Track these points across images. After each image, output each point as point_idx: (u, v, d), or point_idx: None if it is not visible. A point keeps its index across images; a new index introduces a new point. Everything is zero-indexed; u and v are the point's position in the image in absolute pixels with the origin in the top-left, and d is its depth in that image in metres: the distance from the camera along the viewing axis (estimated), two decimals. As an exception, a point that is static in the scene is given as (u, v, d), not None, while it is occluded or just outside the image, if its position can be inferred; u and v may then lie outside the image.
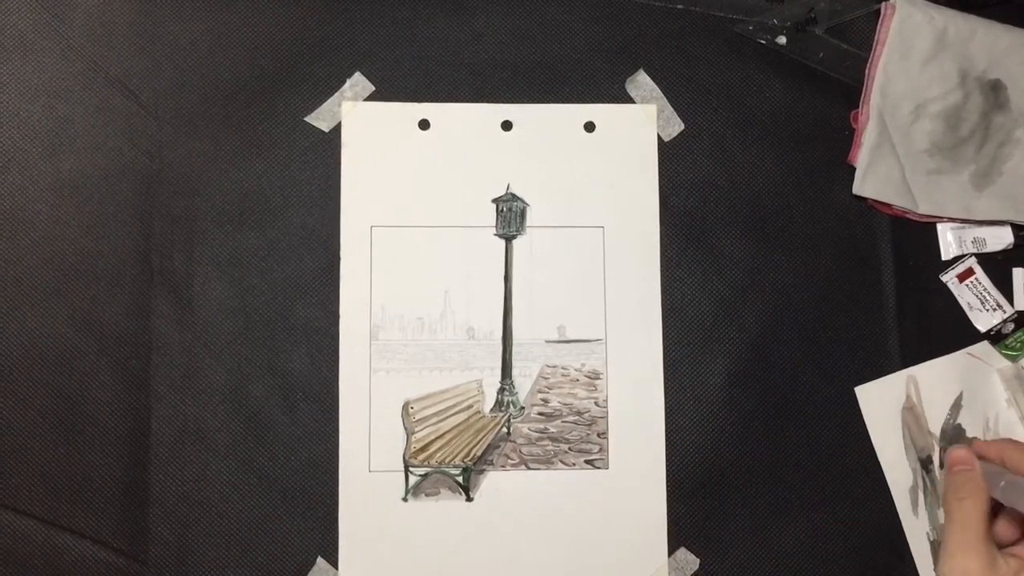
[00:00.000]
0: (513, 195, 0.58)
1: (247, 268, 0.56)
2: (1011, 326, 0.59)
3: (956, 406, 0.58)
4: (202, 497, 0.55)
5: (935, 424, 0.58)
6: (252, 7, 0.58)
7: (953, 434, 0.58)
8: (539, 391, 0.57)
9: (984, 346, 0.59)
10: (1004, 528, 0.49)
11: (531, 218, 0.58)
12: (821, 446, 0.58)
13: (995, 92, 0.59)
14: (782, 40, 0.59)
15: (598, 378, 0.57)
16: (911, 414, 0.58)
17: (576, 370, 0.57)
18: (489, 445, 0.57)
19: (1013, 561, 0.46)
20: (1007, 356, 0.59)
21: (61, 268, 0.55)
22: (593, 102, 0.59)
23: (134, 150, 0.56)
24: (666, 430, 0.57)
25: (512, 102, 0.58)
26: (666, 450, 0.57)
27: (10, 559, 0.53)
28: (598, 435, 0.57)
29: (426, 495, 0.56)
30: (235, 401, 0.56)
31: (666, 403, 0.57)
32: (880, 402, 0.58)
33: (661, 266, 0.58)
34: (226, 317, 0.56)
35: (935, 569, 0.47)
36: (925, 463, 0.58)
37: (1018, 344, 0.59)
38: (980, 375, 0.59)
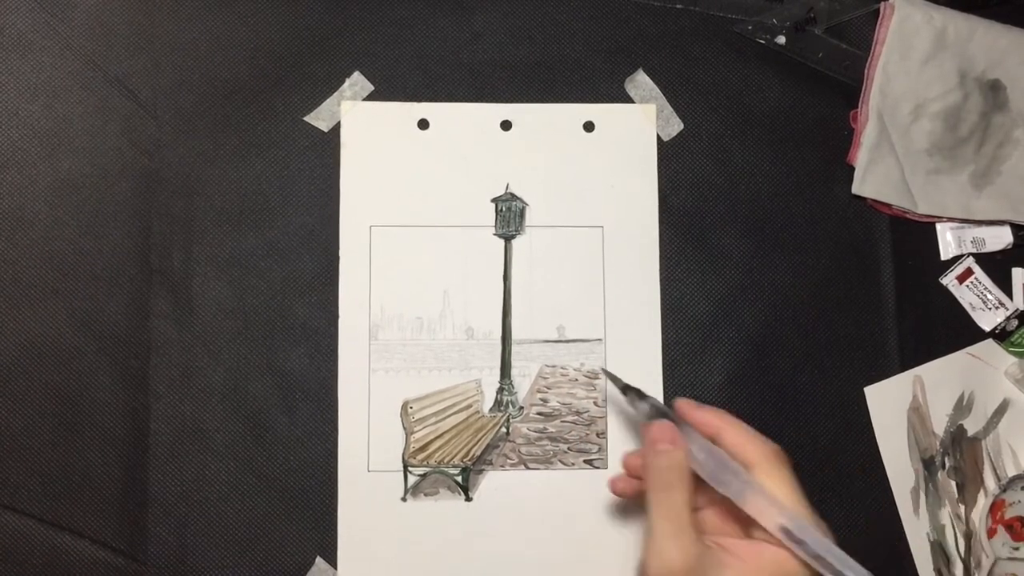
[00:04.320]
0: (512, 195, 0.58)
1: (246, 268, 0.56)
2: (1015, 323, 0.58)
3: (958, 407, 0.58)
4: (201, 497, 0.55)
5: (938, 425, 0.58)
6: (251, 7, 0.58)
7: (955, 434, 0.58)
8: (538, 391, 0.57)
9: (984, 346, 0.59)
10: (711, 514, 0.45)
11: (530, 218, 0.58)
12: (821, 446, 0.57)
13: (994, 92, 0.59)
14: (781, 40, 0.59)
15: (597, 378, 0.57)
16: (917, 415, 0.58)
17: (575, 370, 0.57)
18: (488, 445, 0.56)
19: (719, 552, 0.41)
20: (1015, 353, 0.59)
21: (60, 268, 0.55)
22: (592, 102, 0.59)
23: (133, 149, 0.56)
24: (665, 430, 0.56)
25: (511, 102, 0.58)
26: (665, 450, 0.56)
27: (9, 559, 0.53)
28: (597, 435, 0.57)
29: (425, 495, 0.56)
30: (234, 401, 0.55)
31: (665, 403, 0.57)
32: (887, 402, 0.58)
33: (660, 266, 0.58)
34: (225, 317, 0.56)
35: (642, 562, 0.42)
36: (927, 463, 0.58)
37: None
38: (981, 375, 0.59)
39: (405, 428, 0.56)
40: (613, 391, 0.50)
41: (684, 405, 0.45)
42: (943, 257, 0.59)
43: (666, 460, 0.43)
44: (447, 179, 0.58)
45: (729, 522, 0.44)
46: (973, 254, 0.59)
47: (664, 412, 0.45)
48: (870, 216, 0.59)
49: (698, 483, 0.43)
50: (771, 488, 0.41)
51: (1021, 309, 0.59)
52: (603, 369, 0.56)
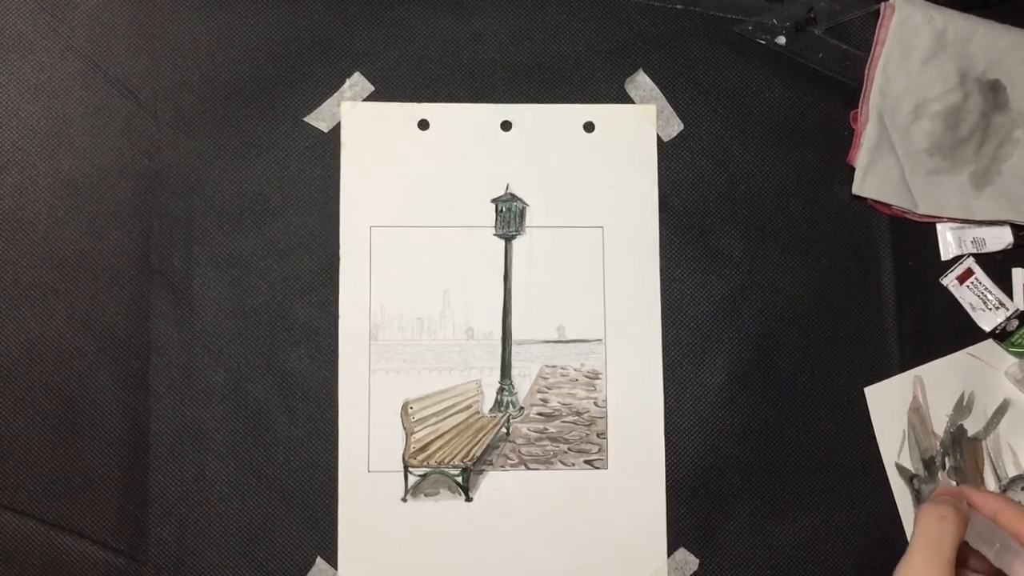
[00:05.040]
0: (512, 195, 0.58)
1: (246, 268, 0.56)
2: (1015, 323, 0.58)
3: (958, 407, 0.58)
4: (201, 497, 0.55)
5: (938, 425, 0.58)
6: (252, 7, 0.58)
7: (955, 434, 0.58)
8: (538, 391, 0.57)
9: (985, 346, 0.59)
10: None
11: (530, 218, 0.58)
12: (820, 446, 0.57)
13: (994, 92, 0.59)
14: (782, 40, 0.59)
15: (597, 378, 0.57)
16: (917, 415, 0.58)
17: (575, 370, 0.57)
18: (488, 445, 0.56)
19: None
20: (1015, 353, 0.58)
21: (60, 268, 0.55)
22: (592, 102, 0.59)
23: (133, 150, 0.56)
24: (665, 430, 0.57)
25: (511, 102, 0.58)
26: (665, 450, 0.56)
27: (9, 559, 0.53)
28: (597, 435, 0.57)
29: (425, 495, 0.56)
30: (234, 401, 0.56)
31: (665, 403, 0.57)
32: (887, 402, 0.58)
33: (660, 266, 0.58)
34: (225, 317, 0.56)
35: None
36: (928, 464, 0.58)
37: None
38: (981, 375, 0.59)
39: (405, 428, 0.56)
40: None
41: (966, 487, 0.48)
42: (943, 257, 0.59)
43: (948, 501, 0.46)
44: (447, 179, 0.58)
45: None
46: (973, 254, 0.59)
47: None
48: (870, 216, 0.59)
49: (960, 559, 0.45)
50: None
51: (1021, 309, 0.59)
52: (896, 463, 0.55)
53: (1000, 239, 0.59)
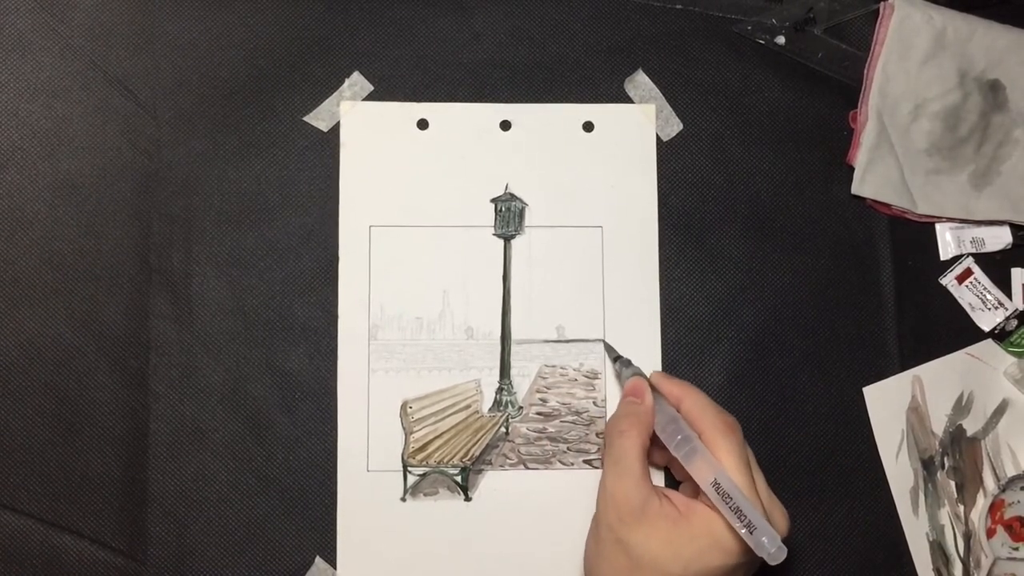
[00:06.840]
0: (512, 195, 0.58)
1: (245, 268, 0.56)
2: (1014, 323, 0.58)
3: (957, 407, 0.58)
4: (200, 497, 0.55)
5: (937, 425, 0.58)
6: (251, 7, 0.58)
7: (954, 434, 0.58)
8: (537, 391, 0.57)
9: (983, 346, 0.59)
10: (659, 455, 0.51)
11: (530, 218, 0.58)
12: (820, 446, 0.57)
13: (994, 92, 0.59)
14: (781, 40, 0.59)
15: (596, 378, 0.57)
16: (916, 415, 0.58)
17: (574, 370, 0.57)
18: (487, 445, 0.57)
19: (664, 501, 0.46)
20: (1014, 353, 0.58)
21: (59, 268, 0.55)
22: (592, 102, 0.59)
23: (132, 150, 0.56)
24: (665, 430, 0.57)
25: (511, 102, 0.58)
26: (665, 450, 0.56)
27: (8, 559, 0.53)
28: (596, 435, 0.57)
29: (424, 495, 0.56)
30: (234, 401, 0.56)
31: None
32: (886, 402, 0.58)
33: (660, 266, 0.58)
34: (224, 317, 0.56)
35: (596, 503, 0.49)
36: (927, 464, 0.58)
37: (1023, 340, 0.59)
38: (980, 375, 0.59)
39: (404, 428, 0.56)
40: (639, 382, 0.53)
41: (656, 375, 0.52)
42: (943, 257, 0.59)
43: (624, 409, 0.49)
44: (446, 179, 0.58)
45: (687, 483, 0.51)
46: (972, 254, 0.59)
47: (643, 379, 0.52)
48: (870, 216, 0.59)
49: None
50: (714, 453, 0.45)
51: (1020, 309, 0.59)
52: (602, 340, 0.57)
53: (999, 239, 0.59)
